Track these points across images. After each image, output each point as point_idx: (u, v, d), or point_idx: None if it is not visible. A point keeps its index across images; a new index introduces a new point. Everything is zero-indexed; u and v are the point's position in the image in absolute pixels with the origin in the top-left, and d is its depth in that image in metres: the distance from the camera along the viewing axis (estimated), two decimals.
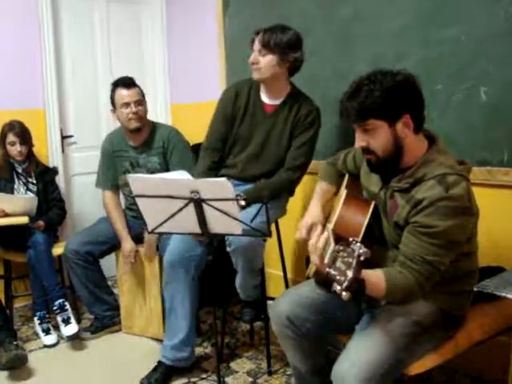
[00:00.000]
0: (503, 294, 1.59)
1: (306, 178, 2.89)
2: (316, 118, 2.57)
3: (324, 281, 1.67)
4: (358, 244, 1.32)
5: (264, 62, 2.48)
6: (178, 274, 2.56)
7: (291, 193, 2.75)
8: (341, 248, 1.36)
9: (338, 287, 1.32)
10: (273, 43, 2.45)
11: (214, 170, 2.65)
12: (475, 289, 1.68)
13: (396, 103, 1.63)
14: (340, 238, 1.45)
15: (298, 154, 2.56)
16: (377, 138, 1.67)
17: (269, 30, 2.47)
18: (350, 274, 1.29)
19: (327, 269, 1.37)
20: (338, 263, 1.34)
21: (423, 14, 2.54)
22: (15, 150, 3.23)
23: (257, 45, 2.48)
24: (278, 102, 2.59)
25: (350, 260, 1.31)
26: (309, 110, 2.56)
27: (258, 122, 2.61)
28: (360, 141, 1.70)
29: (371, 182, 1.86)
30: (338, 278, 1.32)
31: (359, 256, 1.30)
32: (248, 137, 2.63)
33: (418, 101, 1.67)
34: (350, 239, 1.36)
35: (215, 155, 2.66)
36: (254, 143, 2.62)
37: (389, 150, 1.68)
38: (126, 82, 2.98)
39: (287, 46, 2.46)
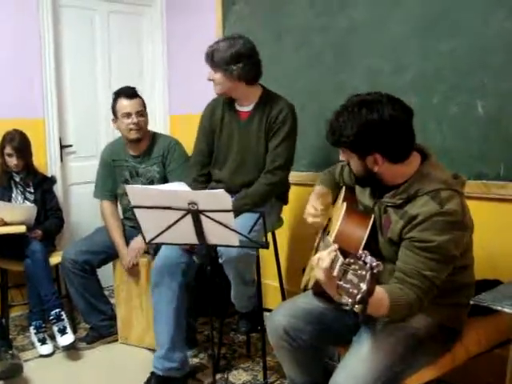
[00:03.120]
0: (499, 308, 1.60)
1: (301, 190, 2.91)
2: (288, 114, 2.54)
3: (324, 293, 1.67)
4: (370, 257, 1.32)
5: (217, 79, 2.53)
6: (164, 280, 2.57)
7: (284, 201, 2.75)
8: (351, 261, 1.35)
9: (350, 300, 1.31)
10: (215, 61, 2.50)
11: (200, 183, 2.69)
12: (471, 302, 1.69)
13: (365, 142, 1.65)
14: (341, 252, 1.45)
15: (275, 155, 2.55)
16: (351, 161, 1.75)
17: (213, 46, 2.50)
18: (363, 286, 1.28)
19: (337, 281, 1.35)
20: (350, 276, 1.33)
21: (420, 27, 2.57)
22: (12, 162, 3.24)
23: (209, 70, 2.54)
24: (250, 108, 2.61)
25: (363, 273, 1.30)
26: (279, 110, 2.55)
27: (235, 132, 2.63)
28: (342, 156, 1.78)
29: (366, 196, 1.87)
30: (350, 290, 1.31)
31: (372, 269, 1.30)
32: (228, 149, 2.66)
33: (390, 141, 1.64)
34: (360, 252, 1.36)
35: (200, 169, 2.72)
36: (235, 154, 2.64)
37: (361, 175, 1.75)
38: (129, 93, 2.99)
39: (229, 61, 2.47)
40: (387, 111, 1.62)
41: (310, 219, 2.01)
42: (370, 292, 1.29)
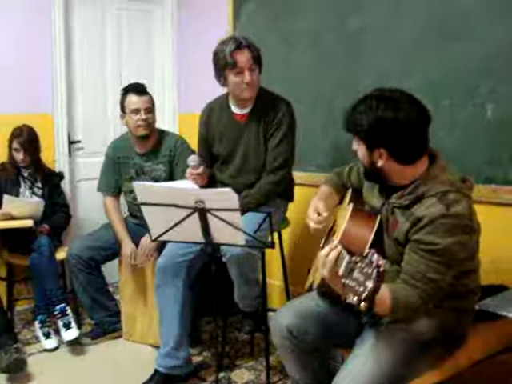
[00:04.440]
0: (504, 314, 1.59)
1: (308, 190, 2.91)
2: (285, 113, 2.56)
3: (329, 292, 1.67)
4: (376, 255, 1.33)
5: (257, 79, 2.54)
6: (169, 279, 2.58)
7: (289, 198, 2.75)
8: (357, 259, 1.35)
9: (355, 298, 1.31)
10: (259, 56, 2.52)
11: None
12: (477, 307, 1.68)
13: (375, 136, 1.67)
14: (347, 252, 1.46)
15: (275, 155, 2.57)
16: (359, 150, 1.75)
17: (244, 45, 2.46)
18: (369, 284, 1.29)
19: (343, 280, 1.36)
20: (356, 274, 1.33)
21: (431, 30, 2.56)
22: (18, 156, 3.27)
23: (246, 62, 2.46)
24: (247, 110, 2.61)
25: (369, 271, 1.31)
26: (276, 109, 2.56)
27: (234, 134, 2.63)
28: (354, 144, 1.78)
29: (373, 197, 1.87)
30: (356, 288, 1.32)
31: (378, 267, 1.31)
32: (229, 152, 2.67)
33: (399, 142, 1.65)
34: (367, 250, 1.37)
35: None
36: (236, 156, 2.65)
37: (367, 167, 1.76)
38: (138, 89, 3.00)
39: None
40: (403, 112, 1.62)
41: (311, 225, 1.98)
42: (375, 290, 1.30)
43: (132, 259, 3.00)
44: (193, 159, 2.52)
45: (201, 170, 2.51)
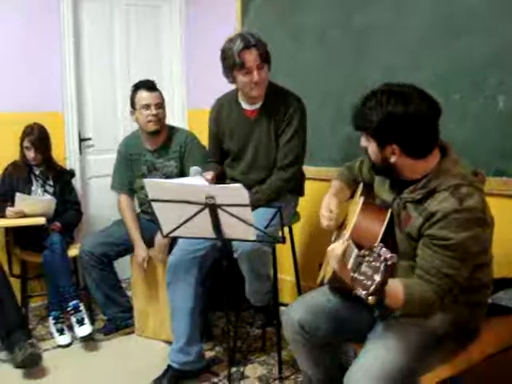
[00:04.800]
0: None
1: (318, 185, 2.90)
2: (296, 109, 2.55)
3: (340, 287, 1.67)
4: (384, 249, 1.33)
5: (265, 76, 2.51)
6: (180, 276, 2.59)
7: (300, 193, 2.75)
8: (366, 253, 1.36)
9: (364, 292, 1.32)
10: (267, 54, 2.49)
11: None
12: (490, 301, 1.67)
13: (386, 132, 1.65)
14: (357, 246, 1.46)
15: (286, 152, 2.56)
16: (370, 147, 1.73)
17: (252, 44, 2.43)
18: (377, 277, 1.30)
19: (351, 273, 1.36)
20: (364, 268, 1.34)
21: (440, 24, 2.54)
22: (30, 155, 3.29)
23: (254, 62, 2.43)
24: (257, 106, 2.60)
25: (377, 264, 1.31)
26: (286, 105, 2.55)
27: (245, 131, 2.63)
28: (362, 141, 1.76)
29: (384, 191, 1.86)
30: (364, 282, 1.33)
31: (386, 260, 1.31)
32: (240, 148, 2.67)
33: (411, 136, 1.64)
34: (376, 244, 1.37)
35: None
36: (247, 152, 2.65)
37: (378, 163, 1.74)
38: (149, 85, 3.02)
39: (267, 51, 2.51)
40: (413, 106, 1.61)
41: (324, 223, 2.00)
42: (383, 283, 1.31)
43: (145, 264, 3.02)
44: (195, 171, 2.48)
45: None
